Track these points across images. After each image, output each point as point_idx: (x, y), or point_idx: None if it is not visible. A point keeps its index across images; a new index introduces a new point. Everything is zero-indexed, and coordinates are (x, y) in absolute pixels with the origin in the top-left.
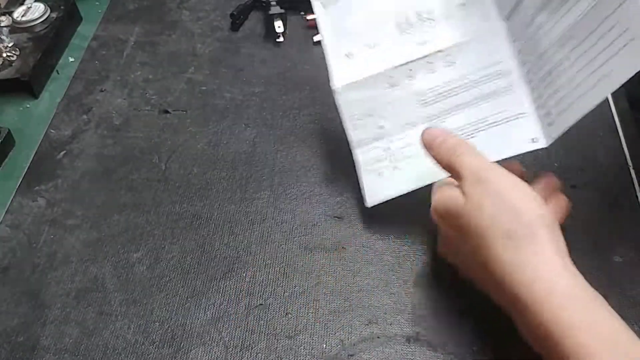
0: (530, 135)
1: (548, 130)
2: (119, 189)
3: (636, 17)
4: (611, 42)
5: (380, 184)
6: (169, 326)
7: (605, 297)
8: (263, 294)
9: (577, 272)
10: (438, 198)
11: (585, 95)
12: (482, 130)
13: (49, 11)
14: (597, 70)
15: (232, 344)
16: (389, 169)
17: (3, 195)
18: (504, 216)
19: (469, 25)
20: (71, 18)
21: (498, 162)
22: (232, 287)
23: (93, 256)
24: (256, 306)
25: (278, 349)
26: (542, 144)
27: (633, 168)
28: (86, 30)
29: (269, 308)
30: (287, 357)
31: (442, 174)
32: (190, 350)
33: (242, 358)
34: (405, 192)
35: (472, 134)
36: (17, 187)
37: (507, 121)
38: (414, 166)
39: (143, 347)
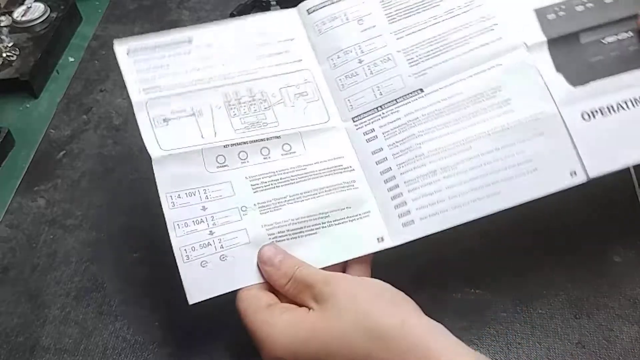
0: (373, 235)
1: (402, 231)
2: (119, 189)
3: (543, 151)
4: (513, 165)
5: (205, 278)
6: (169, 326)
7: (606, 297)
8: None
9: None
10: (282, 328)
11: (463, 207)
12: (323, 227)
13: (48, 11)
14: (486, 187)
15: (232, 344)
16: (214, 259)
17: (3, 195)
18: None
19: (308, 116)
20: (71, 18)
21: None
22: None
23: (93, 256)
24: None
25: None
26: (387, 243)
27: (633, 168)
28: (86, 30)
29: None
30: None
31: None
32: (191, 351)
33: (241, 358)
34: (236, 288)
35: (313, 230)
36: (16, 187)
37: (352, 221)
38: (246, 260)
39: (143, 347)
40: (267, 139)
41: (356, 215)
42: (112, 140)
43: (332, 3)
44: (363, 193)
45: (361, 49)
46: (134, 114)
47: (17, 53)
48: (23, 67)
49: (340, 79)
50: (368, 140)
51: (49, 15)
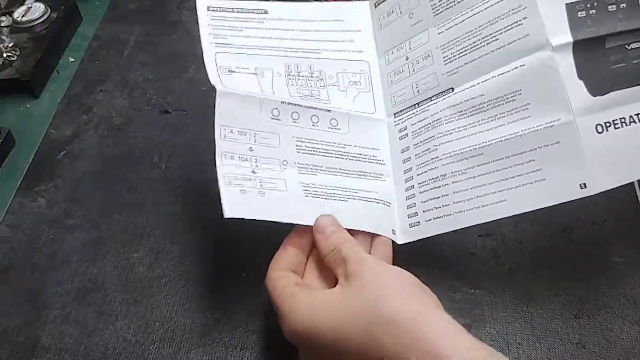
0: (390, 226)
1: (408, 230)
2: (119, 189)
3: (553, 161)
4: (520, 174)
5: (243, 201)
6: (169, 326)
7: (606, 297)
8: (264, 294)
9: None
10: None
11: (467, 212)
12: (353, 199)
13: (49, 11)
14: (492, 194)
15: (232, 344)
16: (254, 191)
17: (3, 195)
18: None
19: (357, 103)
20: (71, 18)
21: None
22: (232, 287)
23: (93, 256)
24: (257, 306)
25: (278, 349)
26: (397, 239)
27: None
28: (86, 30)
29: (270, 308)
30: (288, 357)
31: (305, 218)
32: (191, 351)
33: (242, 358)
34: (268, 219)
35: (344, 198)
36: (17, 187)
37: (377, 202)
38: (281, 201)
39: (143, 347)
40: (319, 108)
41: (381, 200)
42: (113, 140)
43: None
44: (388, 187)
45: (410, 45)
46: (134, 114)
47: (18, 53)
48: (23, 67)
49: (390, 75)
50: (401, 138)
51: (49, 16)
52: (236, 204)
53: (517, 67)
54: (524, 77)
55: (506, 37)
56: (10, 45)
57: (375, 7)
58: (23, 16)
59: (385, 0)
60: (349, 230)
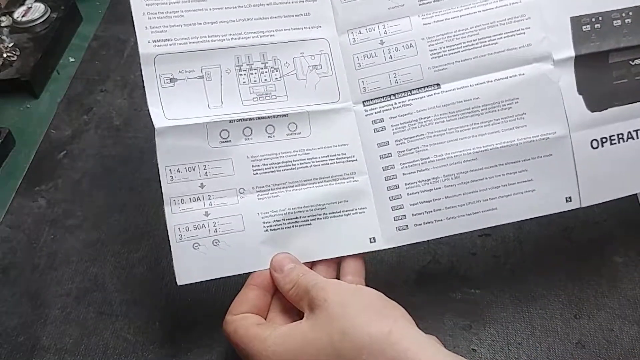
0: (366, 234)
1: (395, 234)
2: (119, 189)
3: (544, 173)
4: (512, 183)
5: (196, 260)
6: (169, 326)
7: (606, 297)
8: None
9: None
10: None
11: (458, 219)
12: (318, 218)
13: (49, 11)
14: (484, 201)
15: (232, 345)
16: (207, 242)
17: (3, 195)
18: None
19: (319, 93)
20: (71, 18)
21: None
22: (232, 287)
23: (93, 256)
24: None
25: None
26: (379, 245)
27: None
28: (86, 31)
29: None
30: None
31: (267, 262)
32: (190, 351)
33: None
34: (225, 275)
35: (307, 220)
36: (17, 187)
37: (347, 215)
38: (239, 247)
39: (143, 347)
40: (274, 116)
41: (352, 210)
42: (113, 140)
43: None
44: (362, 187)
45: (385, 28)
46: (134, 115)
47: (18, 53)
48: (23, 67)
49: (357, 57)
50: (375, 130)
51: (49, 16)
52: (189, 266)
53: (515, 75)
54: (523, 86)
55: (506, 43)
56: (11, 45)
57: None
58: (23, 16)
59: None
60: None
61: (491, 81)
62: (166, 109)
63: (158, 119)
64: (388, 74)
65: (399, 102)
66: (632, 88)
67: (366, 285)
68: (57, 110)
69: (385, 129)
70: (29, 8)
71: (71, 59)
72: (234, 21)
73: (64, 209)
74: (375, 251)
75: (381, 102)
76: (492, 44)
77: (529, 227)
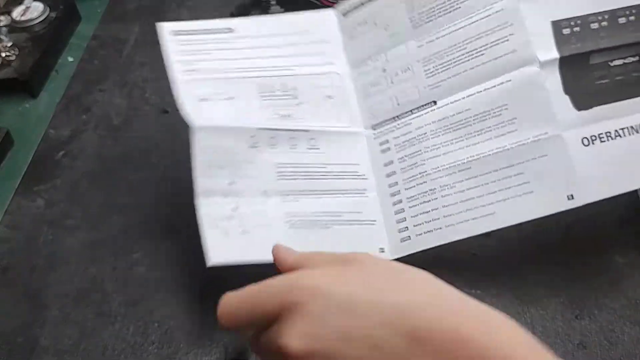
0: (376, 244)
1: (399, 245)
2: (119, 189)
3: (541, 175)
4: (509, 187)
5: (226, 244)
6: (168, 327)
7: (607, 297)
8: None
9: None
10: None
11: (457, 226)
12: (335, 224)
13: (48, 11)
14: (482, 207)
15: (231, 346)
16: (236, 231)
17: (2, 195)
18: None
19: (333, 118)
20: (70, 18)
21: None
22: (232, 287)
23: (92, 257)
24: None
25: None
26: (387, 255)
27: None
28: (85, 30)
29: None
30: None
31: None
32: (190, 351)
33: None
34: (253, 262)
35: (326, 224)
36: (16, 187)
37: (360, 224)
38: (265, 238)
39: (142, 347)
40: (296, 130)
41: (364, 221)
42: (112, 140)
43: (363, 4)
44: (372, 203)
45: (386, 57)
46: (133, 114)
47: (16, 53)
48: (22, 67)
49: (365, 87)
50: (382, 152)
51: (48, 15)
52: (219, 249)
53: (503, 83)
54: (510, 92)
55: (492, 52)
56: (9, 45)
57: (344, 16)
58: (22, 16)
59: (354, 10)
60: None
61: (481, 91)
62: (202, 114)
63: (194, 120)
64: (391, 97)
65: (400, 123)
66: (613, 88)
67: None
68: (56, 110)
69: (390, 149)
70: (28, 7)
71: (70, 59)
72: (256, 58)
73: (63, 209)
74: None
75: (387, 124)
76: (479, 55)
77: (529, 227)
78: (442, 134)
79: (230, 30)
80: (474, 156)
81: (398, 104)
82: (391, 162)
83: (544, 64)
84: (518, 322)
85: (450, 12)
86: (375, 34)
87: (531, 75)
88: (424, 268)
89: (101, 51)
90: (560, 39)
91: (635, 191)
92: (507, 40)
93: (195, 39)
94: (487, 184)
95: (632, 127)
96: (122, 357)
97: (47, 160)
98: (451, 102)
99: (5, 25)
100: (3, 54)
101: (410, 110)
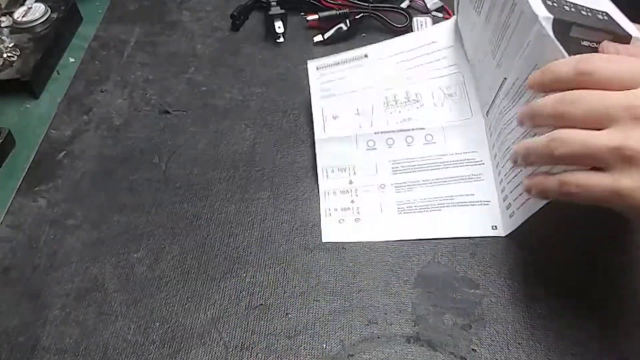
0: (491, 222)
1: (508, 221)
2: (119, 189)
3: None
4: None
5: (340, 229)
6: (169, 326)
7: (607, 297)
8: (263, 294)
9: None
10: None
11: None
12: (447, 206)
13: (49, 12)
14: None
15: (232, 344)
16: (350, 219)
17: (3, 195)
18: None
19: (453, 113)
20: (71, 18)
21: None
22: (232, 287)
23: (93, 256)
24: (256, 306)
25: (278, 349)
26: (500, 232)
27: None
28: (86, 31)
29: (269, 308)
30: (287, 357)
31: (396, 234)
32: (190, 351)
33: (242, 358)
34: (362, 240)
35: (437, 207)
36: (17, 187)
37: (473, 205)
38: (375, 223)
39: (143, 347)
40: (413, 129)
41: (478, 201)
42: (113, 140)
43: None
44: (487, 185)
45: (484, 46)
46: (134, 115)
47: (18, 53)
48: (24, 67)
49: (478, 79)
50: (490, 135)
51: (49, 16)
52: (333, 231)
53: (527, 45)
54: (534, 51)
55: (512, 21)
56: (11, 45)
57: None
58: (23, 16)
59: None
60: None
61: (519, 58)
62: (327, 129)
63: (319, 134)
64: (486, 84)
65: (494, 106)
66: None
67: (366, 284)
68: (57, 111)
69: (491, 134)
70: (29, 8)
71: (71, 59)
72: (384, 74)
73: (64, 209)
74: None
75: (488, 107)
76: (508, 27)
77: (529, 227)
78: (512, 108)
79: (365, 55)
80: None
81: (489, 88)
82: (493, 146)
83: (543, 20)
84: (517, 322)
85: None
86: (480, 24)
87: (539, 30)
88: (422, 267)
89: (102, 52)
90: (547, 7)
91: None
92: (515, 3)
93: (335, 69)
94: None
95: None
96: (123, 356)
97: (49, 160)
98: (510, 76)
99: (6, 26)
100: (5, 55)
101: (497, 92)
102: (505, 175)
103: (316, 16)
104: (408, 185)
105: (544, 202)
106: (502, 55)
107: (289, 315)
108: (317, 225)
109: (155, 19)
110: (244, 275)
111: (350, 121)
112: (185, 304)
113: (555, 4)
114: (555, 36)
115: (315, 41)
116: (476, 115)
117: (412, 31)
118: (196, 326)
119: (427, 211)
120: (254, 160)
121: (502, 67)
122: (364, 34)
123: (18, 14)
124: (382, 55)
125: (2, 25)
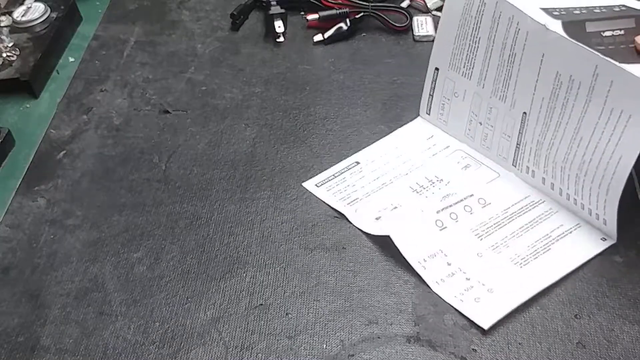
0: (597, 235)
1: (607, 229)
2: (119, 189)
3: (626, 96)
4: (614, 127)
5: (485, 306)
6: (169, 326)
7: (606, 296)
8: (263, 294)
9: None
10: None
11: (611, 184)
12: (553, 243)
13: (49, 11)
14: (612, 157)
15: (232, 344)
16: (484, 294)
17: (3, 195)
18: None
19: (480, 179)
20: (71, 18)
21: None
22: (232, 287)
23: (93, 256)
24: (256, 306)
25: (278, 349)
26: (611, 240)
27: (634, 168)
28: (86, 30)
29: (269, 308)
30: (287, 357)
31: (532, 288)
32: (190, 351)
33: (242, 358)
34: (521, 302)
35: (545, 248)
36: (17, 187)
37: (570, 232)
38: (506, 287)
39: (143, 347)
40: (463, 199)
41: (570, 229)
42: (113, 140)
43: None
44: (564, 214)
45: (484, 103)
46: (134, 114)
47: (17, 53)
48: (23, 67)
49: (481, 144)
50: (532, 175)
51: (49, 16)
52: (485, 314)
53: (543, 58)
54: (552, 61)
55: (518, 49)
56: (10, 45)
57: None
58: (23, 16)
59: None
60: None
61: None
62: (382, 225)
63: (378, 231)
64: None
65: (519, 148)
66: (608, 54)
67: (366, 284)
68: (57, 110)
69: (535, 171)
70: (29, 8)
71: (71, 59)
72: (394, 167)
73: (64, 208)
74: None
75: (514, 156)
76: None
77: None
78: (549, 124)
79: (357, 163)
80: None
81: (508, 137)
82: (543, 180)
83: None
84: (517, 322)
85: None
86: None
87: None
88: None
89: (102, 51)
90: (554, 15)
91: (635, 191)
92: (519, 27)
93: (336, 181)
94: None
95: None
96: (122, 356)
97: (48, 160)
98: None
99: (6, 26)
100: (4, 54)
101: (518, 132)
102: (575, 192)
103: (316, 16)
104: (503, 243)
105: (620, 188)
106: (515, 90)
107: (289, 315)
108: (317, 224)
109: (155, 19)
110: (244, 275)
111: (399, 214)
112: (185, 304)
113: (563, 12)
114: (571, 36)
115: (315, 41)
116: (501, 171)
117: (412, 31)
118: (196, 326)
119: (539, 255)
120: (254, 160)
121: (518, 103)
122: (364, 34)
123: (17, 13)
124: (373, 158)
125: (2, 24)
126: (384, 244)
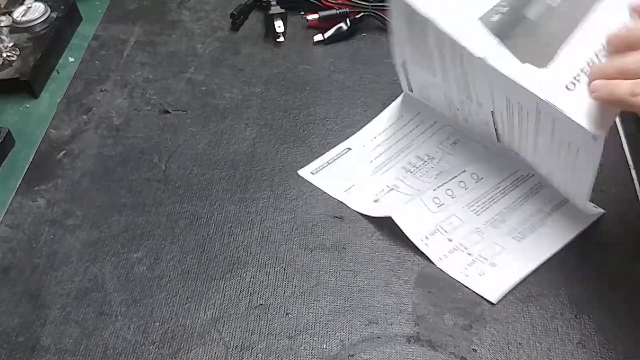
0: (589, 205)
1: (583, 208)
2: (119, 189)
3: (569, 133)
4: (567, 153)
5: (490, 280)
6: (169, 326)
7: (606, 296)
8: (263, 294)
9: None
10: None
11: (577, 189)
12: (548, 216)
13: (49, 11)
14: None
15: (232, 344)
16: (488, 269)
17: (3, 195)
18: None
19: (470, 154)
20: (71, 18)
21: None
22: (232, 287)
23: (93, 256)
24: (256, 306)
25: (278, 349)
26: (600, 210)
27: (633, 168)
28: (86, 30)
29: (269, 308)
30: (287, 357)
31: (534, 261)
32: (190, 351)
33: (242, 358)
34: (525, 275)
35: (540, 222)
36: (17, 187)
37: (562, 204)
38: (510, 259)
39: (143, 347)
40: (457, 175)
41: (562, 201)
42: (112, 140)
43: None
44: (553, 189)
45: (457, 98)
46: (134, 114)
47: (17, 53)
48: (23, 67)
49: (468, 120)
50: (519, 151)
51: (49, 15)
52: (490, 287)
53: (484, 68)
54: (489, 73)
55: (466, 60)
56: (10, 45)
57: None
58: (23, 16)
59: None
60: None
61: None
62: (383, 203)
63: (377, 212)
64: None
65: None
66: (563, 24)
67: (366, 284)
68: (57, 110)
69: (519, 145)
70: (29, 8)
71: (71, 59)
72: (385, 153)
73: (64, 208)
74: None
75: (496, 134)
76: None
77: None
78: (515, 124)
79: (349, 148)
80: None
81: (486, 124)
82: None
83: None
84: (517, 322)
85: None
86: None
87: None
88: (422, 267)
89: (102, 51)
90: (492, 27)
91: (635, 190)
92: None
93: (331, 168)
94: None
95: (597, 53)
96: (122, 356)
97: (48, 160)
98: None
99: (6, 26)
100: (4, 54)
101: (493, 124)
102: (561, 179)
103: (316, 15)
104: (499, 217)
105: (588, 191)
106: (476, 94)
107: (289, 315)
108: (317, 224)
109: (155, 19)
110: (244, 275)
111: (397, 194)
112: (185, 304)
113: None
114: (517, 40)
115: (315, 41)
116: (491, 147)
117: None
118: (196, 326)
119: (534, 230)
120: (254, 160)
121: (484, 105)
122: (364, 34)
123: (17, 13)
124: (364, 142)
125: (2, 24)
126: (384, 242)
